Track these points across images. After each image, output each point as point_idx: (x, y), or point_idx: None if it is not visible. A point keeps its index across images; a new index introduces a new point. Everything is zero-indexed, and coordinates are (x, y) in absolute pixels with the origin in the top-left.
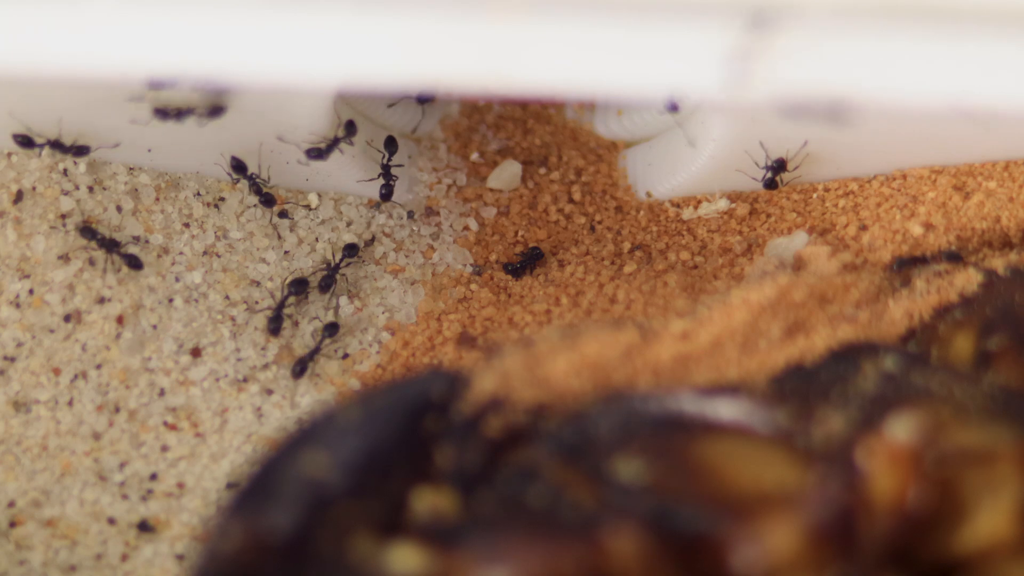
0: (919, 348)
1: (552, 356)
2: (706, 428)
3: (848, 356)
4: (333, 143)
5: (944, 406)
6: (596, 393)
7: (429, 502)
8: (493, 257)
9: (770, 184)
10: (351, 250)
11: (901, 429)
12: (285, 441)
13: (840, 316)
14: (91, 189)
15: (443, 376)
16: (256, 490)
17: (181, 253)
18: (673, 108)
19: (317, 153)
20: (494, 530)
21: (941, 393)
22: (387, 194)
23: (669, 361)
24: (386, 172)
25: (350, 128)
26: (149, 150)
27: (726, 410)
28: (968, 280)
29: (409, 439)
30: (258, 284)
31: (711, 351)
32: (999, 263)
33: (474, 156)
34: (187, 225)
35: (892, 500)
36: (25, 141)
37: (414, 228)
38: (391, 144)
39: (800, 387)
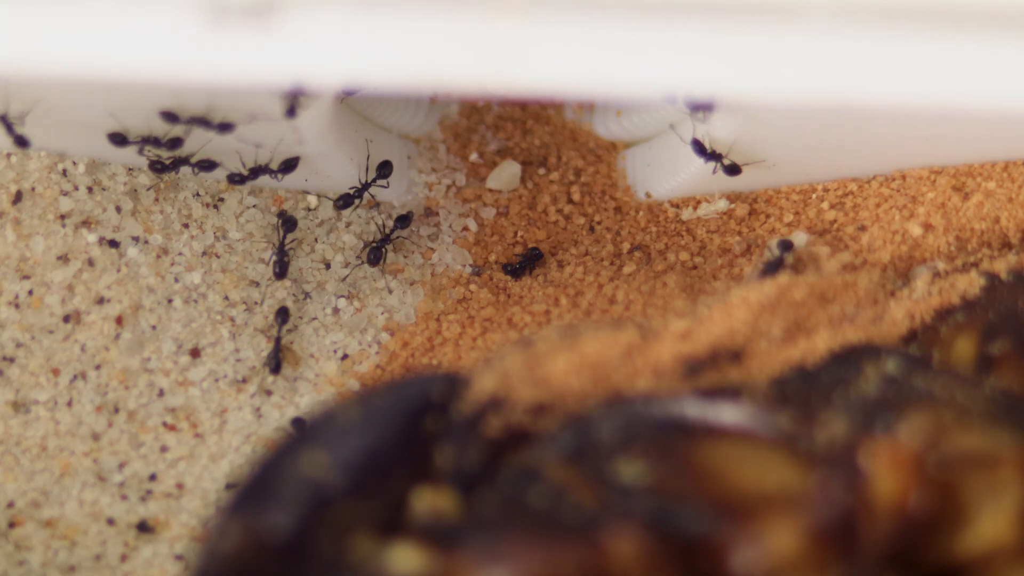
0: (921, 350)
1: (552, 356)
2: (708, 431)
3: (850, 358)
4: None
5: (946, 409)
6: (596, 393)
7: (429, 502)
8: (492, 258)
9: (731, 170)
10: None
11: (904, 432)
12: (284, 441)
13: (841, 316)
14: (90, 189)
15: (442, 376)
16: (256, 490)
17: (180, 254)
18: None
19: (345, 200)
20: (495, 530)
21: (943, 396)
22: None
23: (670, 361)
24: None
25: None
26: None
27: (728, 414)
28: (970, 283)
29: (409, 439)
30: (257, 284)
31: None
32: (1001, 267)
33: (473, 157)
34: (186, 226)
35: (894, 502)
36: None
37: (413, 229)
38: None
39: (802, 389)
